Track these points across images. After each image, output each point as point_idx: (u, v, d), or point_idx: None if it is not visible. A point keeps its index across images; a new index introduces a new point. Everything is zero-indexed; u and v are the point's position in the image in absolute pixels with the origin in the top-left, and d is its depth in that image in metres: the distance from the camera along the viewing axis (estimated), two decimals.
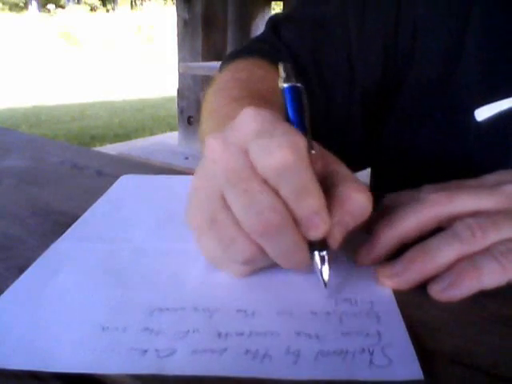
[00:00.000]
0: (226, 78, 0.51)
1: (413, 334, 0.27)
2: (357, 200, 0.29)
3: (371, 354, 0.25)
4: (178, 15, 2.68)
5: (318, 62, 0.51)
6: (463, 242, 0.30)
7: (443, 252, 0.30)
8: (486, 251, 0.30)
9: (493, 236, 0.30)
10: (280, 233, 0.27)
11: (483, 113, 0.45)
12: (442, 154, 0.49)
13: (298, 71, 0.50)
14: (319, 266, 0.29)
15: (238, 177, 0.28)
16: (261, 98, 0.43)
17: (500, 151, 0.45)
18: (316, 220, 0.27)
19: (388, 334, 0.26)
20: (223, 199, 0.29)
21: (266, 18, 2.78)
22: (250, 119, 0.29)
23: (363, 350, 0.25)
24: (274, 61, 0.50)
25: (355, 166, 0.58)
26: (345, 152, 0.54)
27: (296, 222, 0.28)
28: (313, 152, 0.30)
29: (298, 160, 0.27)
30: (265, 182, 0.28)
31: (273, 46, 0.52)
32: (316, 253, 0.29)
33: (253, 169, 0.28)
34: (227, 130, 0.30)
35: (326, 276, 0.29)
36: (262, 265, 0.31)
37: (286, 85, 0.31)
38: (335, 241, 0.29)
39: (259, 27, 2.73)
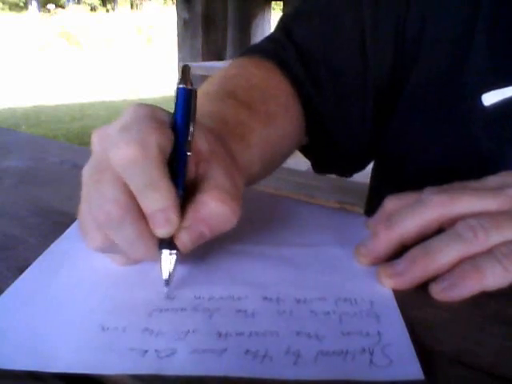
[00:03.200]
0: (219, 73, 0.51)
1: (413, 334, 0.27)
2: (213, 209, 0.29)
3: (371, 353, 0.25)
4: (178, 15, 2.67)
5: (329, 57, 0.51)
6: (465, 243, 0.30)
7: (445, 252, 0.30)
8: (489, 253, 0.30)
9: (495, 237, 0.30)
10: (122, 225, 0.28)
11: (490, 98, 0.45)
12: (449, 140, 0.48)
13: (306, 67, 0.50)
14: (162, 265, 0.30)
15: (96, 167, 0.30)
16: (225, 95, 0.44)
17: (506, 136, 0.45)
18: (160, 218, 0.28)
19: (388, 333, 0.26)
20: (87, 191, 0.30)
21: (266, 18, 2.77)
22: (127, 114, 0.30)
23: (363, 350, 0.25)
24: (275, 60, 0.50)
25: (363, 160, 0.58)
26: (355, 147, 0.54)
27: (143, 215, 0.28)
28: (189, 154, 0.30)
29: (143, 157, 0.28)
30: (117, 175, 0.28)
31: (280, 45, 0.52)
32: (164, 251, 0.30)
33: (107, 163, 0.29)
34: (112, 123, 0.31)
35: (165, 275, 0.30)
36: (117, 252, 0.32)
37: (180, 86, 0.32)
38: (183, 245, 0.30)
39: (259, 27, 2.72)
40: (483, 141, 0.46)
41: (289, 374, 0.24)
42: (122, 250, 0.30)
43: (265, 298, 0.30)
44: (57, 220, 0.42)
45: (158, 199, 0.28)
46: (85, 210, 0.31)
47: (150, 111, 0.31)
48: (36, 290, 0.31)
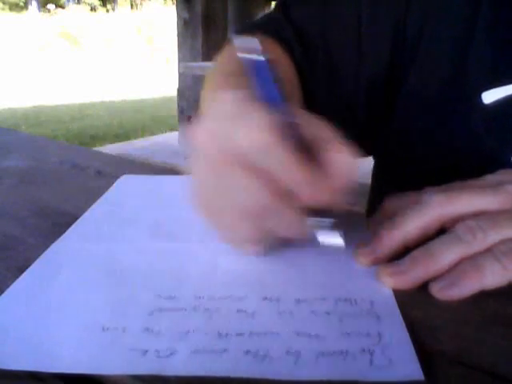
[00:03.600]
0: (226, 53, 0.52)
1: (413, 334, 0.27)
2: (339, 159, 0.30)
3: (371, 354, 0.25)
4: (178, 15, 2.67)
5: (327, 42, 0.51)
6: (465, 245, 0.30)
7: (445, 254, 0.31)
8: (488, 252, 0.30)
9: (494, 236, 0.30)
10: (274, 209, 0.29)
11: (490, 96, 0.45)
12: (449, 138, 0.49)
13: (304, 50, 0.50)
14: (318, 232, 0.30)
15: (224, 164, 0.29)
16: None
17: (507, 134, 0.46)
18: (306, 189, 0.28)
19: (388, 334, 0.26)
20: (215, 187, 0.30)
21: None
22: (221, 104, 0.30)
23: (363, 351, 0.25)
24: (277, 38, 0.51)
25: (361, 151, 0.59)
26: (348, 134, 0.54)
27: (288, 195, 0.29)
28: (294, 121, 0.30)
29: (269, 138, 0.28)
30: (248, 165, 0.28)
31: (279, 24, 0.52)
32: (314, 219, 0.30)
33: (234, 155, 0.29)
34: (206, 118, 0.30)
35: (328, 240, 0.30)
36: (269, 240, 0.33)
37: (251, 56, 0.30)
38: (333, 204, 0.30)
39: None
40: (484, 139, 0.46)
41: (289, 375, 0.24)
42: (277, 235, 0.31)
43: (265, 298, 0.30)
44: (57, 220, 0.42)
45: (298, 173, 0.28)
46: (225, 208, 0.30)
47: (244, 96, 0.30)
48: (36, 290, 0.31)
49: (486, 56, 0.46)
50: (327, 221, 0.30)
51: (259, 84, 0.30)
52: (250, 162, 0.28)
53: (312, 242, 0.31)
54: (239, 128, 0.28)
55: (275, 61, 0.48)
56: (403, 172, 0.54)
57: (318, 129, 0.31)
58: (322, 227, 0.30)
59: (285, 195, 0.29)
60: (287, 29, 0.52)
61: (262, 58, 0.30)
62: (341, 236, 0.31)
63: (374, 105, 0.52)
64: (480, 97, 0.46)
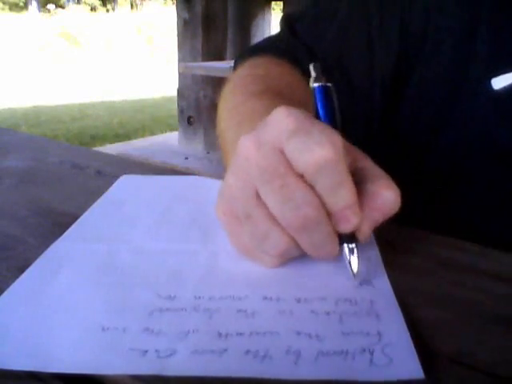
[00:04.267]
0: (242, 74, 0.51)
1: (413, 334, 0.26)
2: (386, 197, 0.30)
3: (371, 353, 0.25)
4: (178, 15, 2.67)
5: (339, 57, 0.51)
6: None
7: None
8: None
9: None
10: (315, 226, 0.29)
11: (500, 82, 0.46)
12: (459, 126, 0.49)
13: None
14: (348, 258, 0.31)
15: (274, 174, 0.29)
16: (279, 94, 0.44)
17: None
18: (348, 213, 0.29)
19: (388, 333, 0.26)
20: (257, 195, 0.30)
21: (266, 18, 2.77)
22: (283, 118, 0.29)
23: (363, 350, 0.25)
24: (290, 59, 0.51)
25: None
26: (363, 141, 0.55)
27: (329, 215, 0.29)
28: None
29: (336, 156, 0.28)
30: (300, 178, 0.29)
31: (289, 45, 0.52)
32: (345, 245, 0.30)
33: (288, 166, 0.29)
34: (259, 130, 0.30)
35: (354, 267, 0.31)
36: (293, 256, 0.32)
37: (316, 84, 0.32)
38: (364, 234, 0.31)
39: (259, 27, 2.72)
40: (494, 125, 0.46)
41: (289, 374, 0.24)
42: (306, 251, 0.31)
43: (265, 298, 0.30)
44: (57, 220, 0.42)
45: (347, 196, 0.28)
46: (262, 216, 0.30)
47: (304, 113, 0.30)
48: (36, 290, 0.31)
49: (491, 44, 0.46)
50: (354, 246, 0.31)
51: (321, 108, 0.32)
52: (303, 175, 0.28)
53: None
54: (303, 143, 0.28)
55: (296, 82, 0.48)
56: (410, 166, 0.54)
57: (363, 160, 0.32)
58: (352, 252, 0.31)
59: (326, 213, 0.29)
60: (300, 49, 0.52)
61: (328, 84, 0.32)
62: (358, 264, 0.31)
63: (386, 108, 0.53)
64: (489, 83, 0.46)
